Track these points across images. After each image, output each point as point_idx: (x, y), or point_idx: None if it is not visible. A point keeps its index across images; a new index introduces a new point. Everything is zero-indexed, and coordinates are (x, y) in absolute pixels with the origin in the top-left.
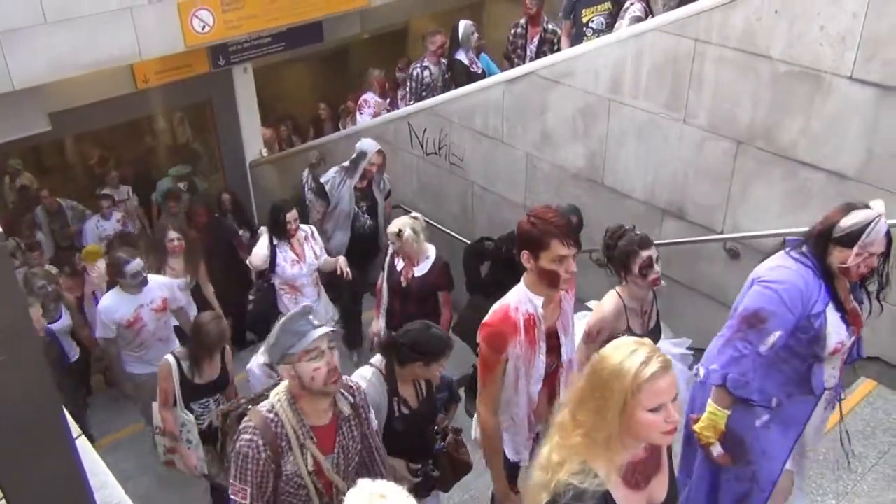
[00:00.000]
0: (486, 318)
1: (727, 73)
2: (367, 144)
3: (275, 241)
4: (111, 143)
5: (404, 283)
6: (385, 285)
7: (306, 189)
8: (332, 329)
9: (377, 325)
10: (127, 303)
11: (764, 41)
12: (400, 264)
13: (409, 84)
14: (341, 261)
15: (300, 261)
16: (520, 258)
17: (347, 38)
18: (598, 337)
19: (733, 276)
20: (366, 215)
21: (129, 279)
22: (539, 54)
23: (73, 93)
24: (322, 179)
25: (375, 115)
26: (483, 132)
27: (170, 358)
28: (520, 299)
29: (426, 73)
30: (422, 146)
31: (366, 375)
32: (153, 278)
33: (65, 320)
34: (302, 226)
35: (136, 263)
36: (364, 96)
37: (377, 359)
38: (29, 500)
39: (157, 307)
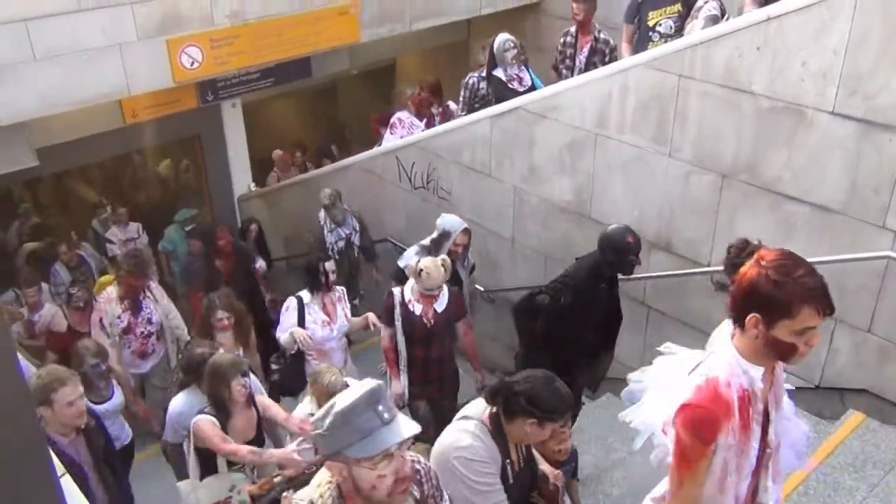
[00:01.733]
0: (689, 398)
1: (711, 108)
2: (452, 223)
3: (305, 300)
4: (106, 179)
5: (430, 324)
6: (400, 338)
7: (326, 231)
8: (411, 434)
9: (398, 385)
10: (203, 405)
11: (746, 77)
12: (418, 308)
13: (462, 93)
14: (371, 316)
15: (331, 322)
16: (740, 319)
17: (336, 74)
18: None
19: (720, 308)
20: (454, 287)
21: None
22: (589, 66)
23: (61, 128)
24: (401, 263)
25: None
26: (471, 166)
27: (206, 416)
28: (732, 372)
29: (482, 83)
30: (410, 180)
31: (468, 429)
32: None
33: (117, 398)
34: (337, 287)
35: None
36: (398, 114)
37: (477, 408)
38: None
39: None
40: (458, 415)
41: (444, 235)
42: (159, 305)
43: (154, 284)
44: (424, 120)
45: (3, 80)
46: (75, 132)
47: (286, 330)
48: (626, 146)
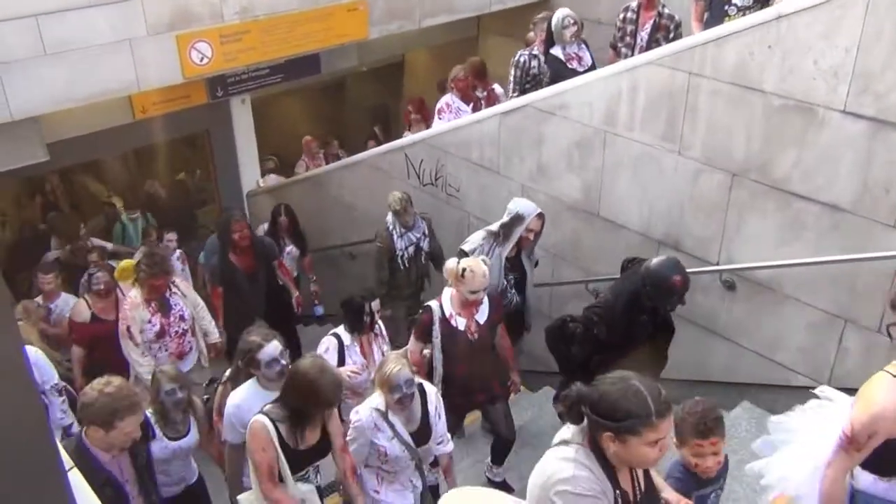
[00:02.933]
0: None
1: (721, 106)
2: (525, 206)
3: (345, 342)
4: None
5: (474, 338)
6: (437, 354)
7: (395, 238)
8: None
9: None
10: (263, 400)
11: (757, 75)
12: (461, 322)
13: (512, 72)
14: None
15: (368, 365)
16: None
17: (345, 70)
18: (868, 443)
19: (729, 308)
20: (513, 290)
21: (264, 369)
22: (651, 43)
23: (71, 123)
24: (466, 248)
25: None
26: (479, 163)
27: (264, 420)
28: None
29: (534, 62)
30: (418, 177)
31: (569, 456)
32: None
33: (193, 436)
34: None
35: (273, 347)
36: (444, 99)
37: (572, 431)
38: None
39: None
40: (556, 438)
41: (517, 220)
42: (187, 299)
43: (178, 279)
44: (471, 104)
45: (13, 75)
46: (85, 127)
47: None
48: (635, 144)
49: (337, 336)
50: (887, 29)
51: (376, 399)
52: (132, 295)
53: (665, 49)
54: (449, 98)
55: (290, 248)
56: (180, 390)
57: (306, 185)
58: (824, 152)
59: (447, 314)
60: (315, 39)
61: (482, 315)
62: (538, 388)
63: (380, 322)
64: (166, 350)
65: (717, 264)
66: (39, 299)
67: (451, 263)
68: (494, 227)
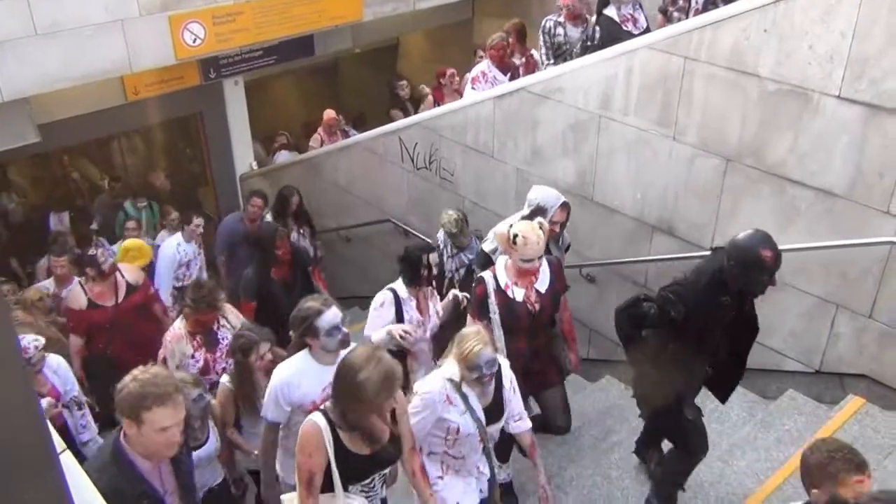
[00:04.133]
0: None
1: (716, 90)
2: (547, 196)
3: (402, 295)
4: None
5: (535, 310)
6: (497, 332)
7: (445, 257)
8: None
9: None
10: (316, 375)
11: (752, 59)
12: (519, 293)
13: (542, 38)
14: (454, 291)
15: (424, 321)
16: None
17: (339, 52)
18: None
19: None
20: None
21: (324, 338)
22: (708, 6)
23: (63, 104)
24: (487, 248)
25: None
26: (474, 147)
27: (320, 422)
28: None
29: (559, 30)
30: (412, 160)
31: None
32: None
33: (213, 443)
34: None
35: (333, 314)
36: (480, 67)
37: None
38: None
39: None
40: None
41: (538, 212)
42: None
43: (228, 308)
44: (508, 73)
45: (3, 55)
46: (77, 109)
47: (380, 327)
48: (629, 128)
49: (393, 290)
50: (883, 14)
51: (449, 369)
52: (176, 326)
53: (660, 33)
54: (485, 66)
55: (302, 232)
56: (204, 396)
57: (301, 169)
58: (819, 138)
59: (502, 284)
60: (309, 21)
61: (542, 284)
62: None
63: (432, 287)
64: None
65: (711, 249)
66: (49, 283)
67: (501, 227)
68: (515, 218)
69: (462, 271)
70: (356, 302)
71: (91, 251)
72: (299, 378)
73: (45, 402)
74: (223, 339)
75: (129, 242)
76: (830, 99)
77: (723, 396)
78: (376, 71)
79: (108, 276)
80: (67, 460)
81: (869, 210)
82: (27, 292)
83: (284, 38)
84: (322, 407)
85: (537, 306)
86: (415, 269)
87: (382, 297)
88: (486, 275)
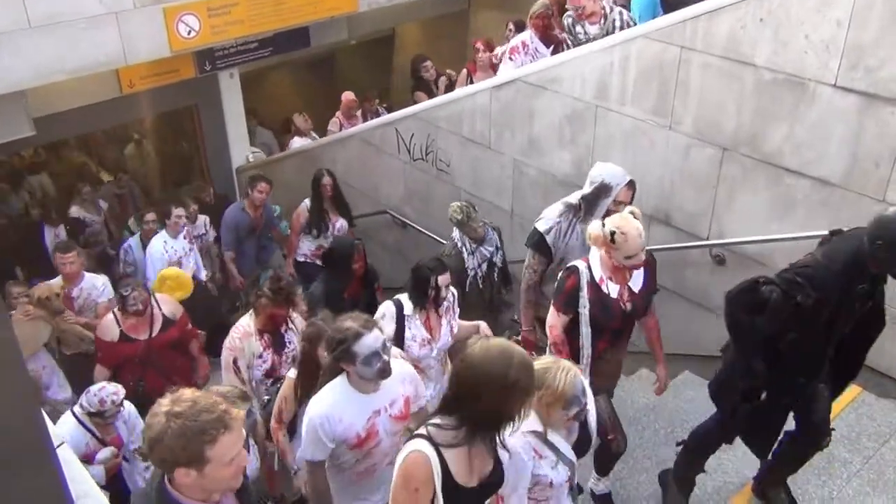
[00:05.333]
0: None
1: (712, 80)
2: (613, 173)
3: (406, 311)
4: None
5: (627, 308)
6: (585, 329)
7: (466, 255)
8: None
9: None
10: (359, 406)
11: (749, 49)
12: (613, 289)
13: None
14: (483, 326)
15: (432, 340)
16: None
17: (335, 44)
18: None
19: (719, 283)
20: None
21: (360, 366)
22: None
23: (58, 97)
24: (541, 227)
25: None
26: (470, 138)
27: (428, 450)
28: None
29: (578, 27)
30: (409, 151)
31: None
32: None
33: (254, 464)
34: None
35: (374, 338)
36: (521, 37)
37: None
38: None
39: (398, 414)
40: None
41: (602, 190)
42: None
43: (296, 313)
44: (552, 46)
45: None
46: (72, 101)
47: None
48: (626, 118)
49: (398, 303)
50: (879, 2)
51: (525, 423)
52: (244, 323)
53: (656, 22)
54: (527, 37)
55: (340, 224)
56: (254, 408)
57: (299, 160)
58: (815, 127)
59: (597, 277)
60: (304, 12)
61: (636, 282)
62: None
63: (453, 292)
64: (266, 392)
65: (707, 239)
66: (56, 281)
67: (594, 228)
68: (573, 198)
69: (484, 266)
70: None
71: (124, 291)
72: (340, 411)
73: (106, 450)
74: (290, 342)
75: (167, 271)
76: (826, 88)
77: (836, 393)
78: (372, 63)
79: (142, 314)
80: (64, 454)
81: (865, 199)
82: (35, 289)
83: (280, 30)
84: (425, 431)
85: (629, 305)
86: (421, 289)
87: (384, 310)
88: (580, 265)
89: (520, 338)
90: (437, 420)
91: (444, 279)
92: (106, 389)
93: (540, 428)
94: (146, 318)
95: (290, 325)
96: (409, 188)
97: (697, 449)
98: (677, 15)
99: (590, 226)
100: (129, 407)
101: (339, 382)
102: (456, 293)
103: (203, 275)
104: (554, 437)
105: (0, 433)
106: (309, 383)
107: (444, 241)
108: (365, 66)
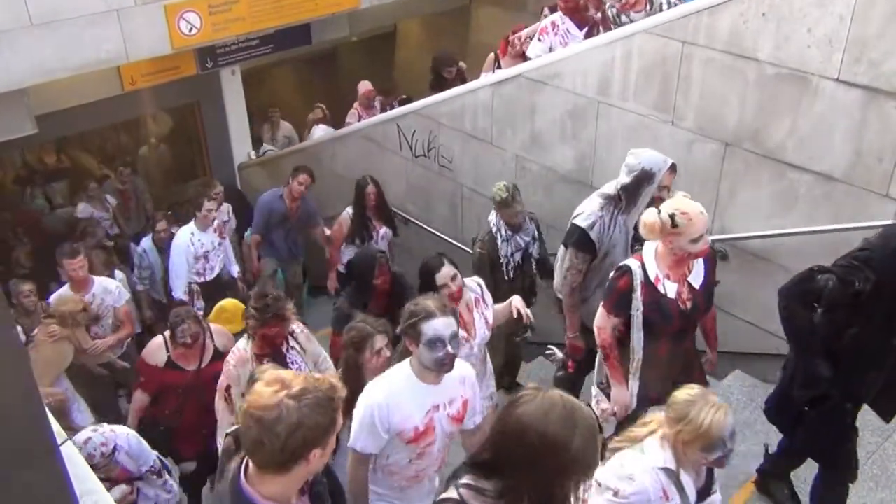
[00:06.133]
0: None
1: (715, 75)
2: (653, 159)
3: None
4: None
5: (686, 309)
6: (637, 334)
7: (500, 241)
8: None
9: (624, 393)
10: (419, 395)
11: (751, 43)
12: (671, 288)
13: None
14: (516, 300)
15: (469, 337)
16: None
17: (336, 41)
18: None
19: (721, 278)
20: None
21: (423, 347)
22: None
23: (60, 95)
24: (583, 223)
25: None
26: (472, 134)
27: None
28: None
29: (624, 18)
30: (411, 148)
31: None
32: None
33: None
34: (469, 283)
35: (446, 324)
36: (552, 17)
37: None
38: None
39: (455, 414)
40: None
41: (644, 178)
42: (308, 355)
43: (299, 328)
44: (584, 29)
45: (0, 46)
46: (74, 99)
47: None
48: (628, 114)
49: None
50: None
51: (657, 454)
52: (241, 347)
53: (658, 17)
54: (557, 17)
55: (384, 231)
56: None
57: (300, 157)
58: (818, 121)
59: (652, 277)
60: (306, 9)
61: (696, 277)
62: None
63: (478, 282)
64: None
65: (710, 234)
66: (66, 292)
67: (649, 216)
68: (610, 188)
69: (518, 256)
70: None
71: (175, 321)
72: (398, 398)
73: (116, 490)
74: (292, 363)
75: (225, 303)
76: (829, 82)
77: (890, 411)
78: (374, 59)
79: (190, 347)
80: (68, 450)
81: (868, 193)
82: (60, 304)
83: (281, 27)
84: (456, 494)
85: (689, 304)
86: (426, 288)
87: None
88: (633, 264)
89: (565, 344)
90: (472, 481)
91: (442, 276)
92: (92, 442)
93: (673, 465)
94: (197, 349)
95: (293, 344)
96: (412, 184)
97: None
98: (679, 10)
99: (643, 215)
100: (124, 438)
101: (401, 368)
102: (482, 283)
103: (235, 270)
104: (685, 477)
105: (3, 430)
106: (351, 396)
107: (446, 238)
108: (366, 62)
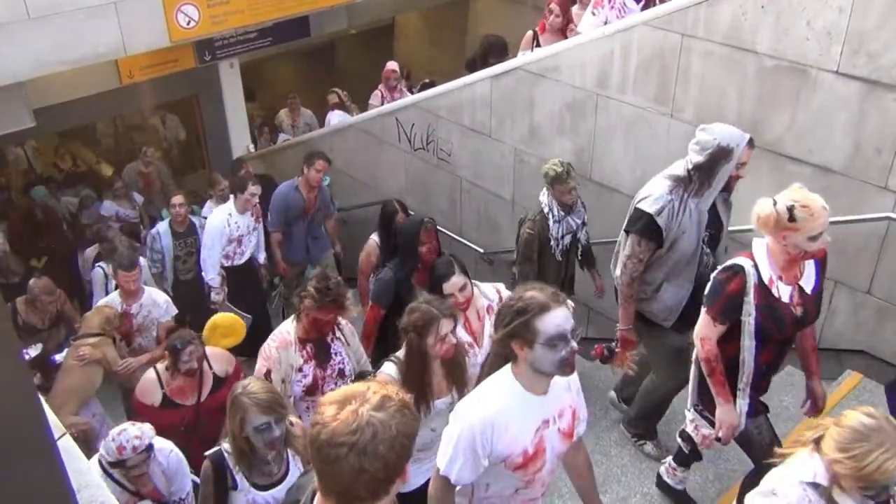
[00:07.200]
0: None
1: (714, 67)
2: (730, 134)
3: None
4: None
5: (798, 314)
6: (749, 342)
7: (552, 221)
8: None
9: (732, 412)
10: (529, 410)
11: (750, 36)
12: (785, 291)
13: None
14: (500, 287)
15: (475, 344)
16: None
17: (335, 34)
18: None
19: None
20: (707, 250)
21: (540, 347)
22: None
23: (58, 89)
24: (649, 208)
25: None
26: (471, 127)
27: None
28: None
29: None
30: (409, 141)
31: None
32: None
33: (294, 474)
34: (487, 290)
35: (564, 316)
36: None
37: None
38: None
39: (566, 429)
40: None
41: (720, 154)
42: (351, 350)
43: (344, 320)
44: (642, 2)
45: None
46: (72, 93)
47: None
48: (627, 107)
49: None
50: None
51: (807, 463)
52: (284, 329)
53: (657, 10)
54: None
55: None
56: (277, 425)
57: (297, 151)
58: (817, 114)
59: (766, 279)
60: (304, 1)
61: (808, 280)
62: None
63: (500, 290)
64: (308, 411)
65: None
66: (113, 298)
67: (763, 207)
68: (679, 169)
69: (568, 238)
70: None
71: (178, 345)
72: (505, 416)
73: None
74: (336, 353)
75: (219, 318)
76: (828, 75)
77: None
78: (372, 52)
79: (194, 374)
80: (66, 444)
81: (867, 186)
82: (99, 312)
83: (279, 20)
84: None
85: (800, 310)
86: (440, 294)
87: None
88: (745, 263)
89: (615, 340)
90: None
91: (450, 285)
92: (126, 433)
93: (825, 482)
94: (195, 380)
95: (338, 335)
96: (411, 178)
97: None
98: (678, 2)
99: (756, 206)
100: (167, 454)
101: (505, 378)
102: (503, 290)
103: (262, 258)
104: (842, 498)
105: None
106: (418, 384)
107: (446, 231)
108: (365, 55)
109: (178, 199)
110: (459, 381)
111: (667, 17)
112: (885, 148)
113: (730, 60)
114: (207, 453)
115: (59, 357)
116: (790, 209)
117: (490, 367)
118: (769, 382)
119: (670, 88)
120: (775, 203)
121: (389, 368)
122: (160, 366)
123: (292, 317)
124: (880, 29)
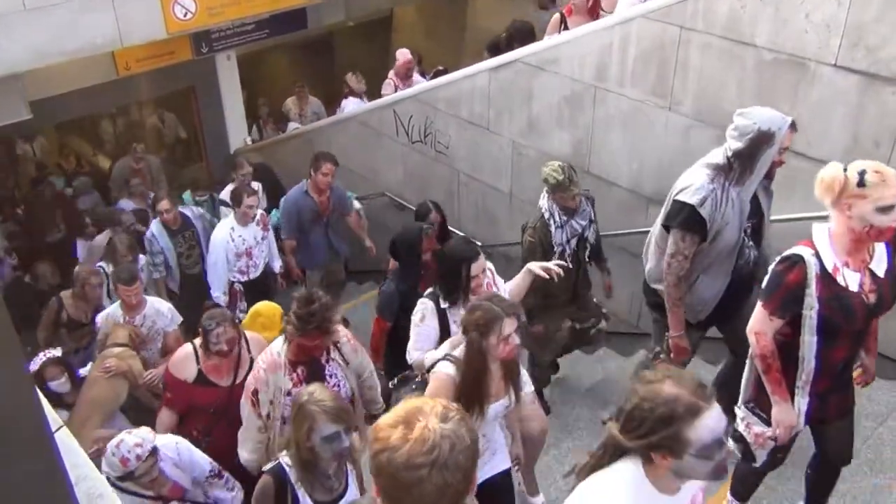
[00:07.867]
0: None
1: (712, 60)
2: (771, 118)
3: (444, 304)
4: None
5: (870, 302)
6: (810, 338)
7: (554, 227)
8: None
9: (790, 412)
10: None
11: (749, 28)
12: (853, 279)
13: None
14: (533, 265)
15: None
16: None
17: (332, 26)
18: None
19: None
20: (750, 241)
21: (692, 459)
22: None
23: (54, 80)
24: (691, 199)
25: None
26: (469, 120)
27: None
28: None
29: None
30: (407, 134)
31: None
32: None
33: (353, 494)
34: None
35: (717, 416)
36: None
37: None
38: (3, 497)
39: None
40: None
41: (762, 139)
42: (350, 370)
43: (345, 336)
44: None
45: None
46: (69, 85)
47: (428, 344)
48: (625, 99)
49: (435, 296)
50: None
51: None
52: (274, 350)
53: (656, 2)
54: None
55: None
56: (346, 434)
57: (296, 144)
58: (816, 107)
59: (829, 267)
60: None
61: (879, 263)
62: None
63: (489, 268)
64: None
65: None
66: (114, 309)
67: (829, 171)
68: (718, 157)
69: (573, 242)
70: (353, 277)
71: (208, 326)
72: None
73: None
74: (332, 375)
75: (260, 306)
76: (827, 68)
77: None
78: (370, 44)
79: (226, 355)
80: (63, 437)
81: None
82: (118, 329)
83: (276, 12)
84: None
85: (873, 297)
86: (453, 282)
87: (422, 309)
88: (805, 252)
89: (670, 345)
90: None
91: (477, 266)
92: (124, 444)
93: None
94: (232, 360)
95: (333, 355)
96: (408, 170)
97: None
98: None
99: (822, 171)
100: (174, 448)
101: (633, 477)
102: (492, 269)
103: (277, 265)
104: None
105: None
106: (477, 389)
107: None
108: (363, 47)
109: (164, 204)
110: (517, 384)
111: (665, 9)
112: (884, 141)
113: (728, 53)
114: (266, 468)
115: (83, 371)
116: (861, 173)
117: (606, 455)
118: (849, 380)
119: (669, 81)
120: (846, 168)
121: (447, 367)
122: (197, 341)
123: (283, 337)
124: (879, 22)
